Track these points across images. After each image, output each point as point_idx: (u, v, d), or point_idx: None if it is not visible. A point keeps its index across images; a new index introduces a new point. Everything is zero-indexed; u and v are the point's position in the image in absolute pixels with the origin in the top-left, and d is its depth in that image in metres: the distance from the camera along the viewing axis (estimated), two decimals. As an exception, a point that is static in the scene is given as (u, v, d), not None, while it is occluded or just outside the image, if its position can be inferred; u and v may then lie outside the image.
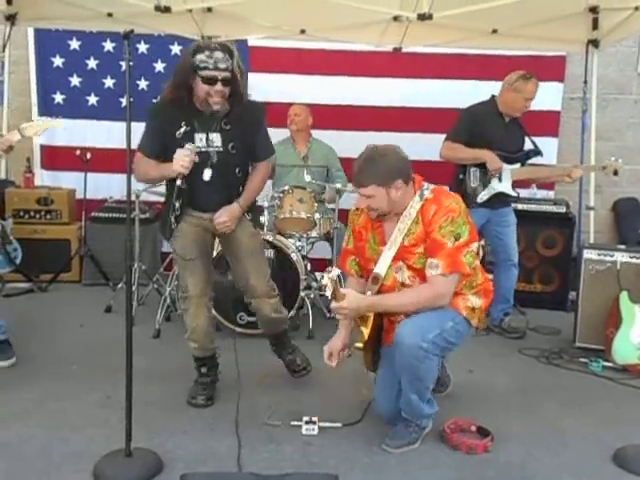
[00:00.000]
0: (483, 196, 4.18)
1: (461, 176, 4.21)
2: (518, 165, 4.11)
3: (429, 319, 2.54)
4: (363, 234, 2.79)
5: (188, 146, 2.73)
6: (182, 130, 2.78)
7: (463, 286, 2.64)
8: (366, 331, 2.60)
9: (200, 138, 2.80)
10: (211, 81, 2.69)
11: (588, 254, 3.96)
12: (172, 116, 2.79)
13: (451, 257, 2.52)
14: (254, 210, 3.13)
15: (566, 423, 2.93)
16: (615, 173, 4.07)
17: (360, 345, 2.63)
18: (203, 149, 2.81)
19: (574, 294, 4.15)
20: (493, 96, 4.17)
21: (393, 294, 2.65)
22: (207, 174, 2.82)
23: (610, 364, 3.64)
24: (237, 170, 2.93)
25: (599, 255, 3.93)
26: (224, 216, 2.88)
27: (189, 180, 2.78)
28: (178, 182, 2.74)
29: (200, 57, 2.68)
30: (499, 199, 4.12)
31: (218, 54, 2.68)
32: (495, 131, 4.05)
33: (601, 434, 2.81)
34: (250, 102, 2.94)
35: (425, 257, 2.57)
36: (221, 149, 2.83)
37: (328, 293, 2.41)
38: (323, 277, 2.38)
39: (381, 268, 2.66)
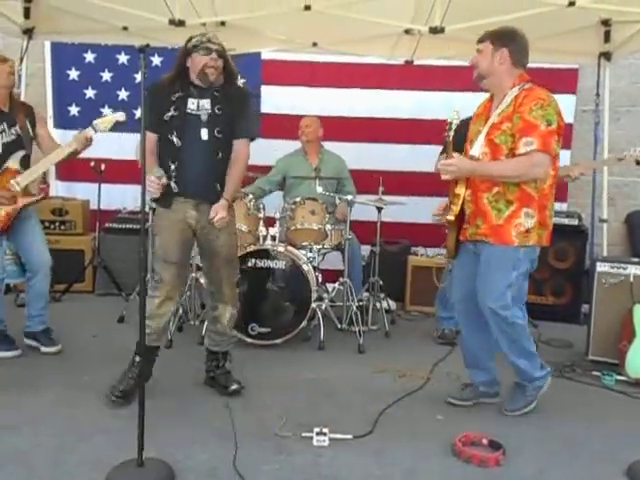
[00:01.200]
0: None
1: None
2: None
3: (496, 281, 2.91)
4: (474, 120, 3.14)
5: (156, 173, 2.93)
6: (176, 95, 3.04)
7: (517, 207, 2.89)
8: (456, 208, 2.99)
9: (192, 102, 3.04)
10: (207, 51, 2.97)
11: (601, 267, 3.94)
12: (166, 87, 3.06)
13: (544, 138, 2.79)
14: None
15: (578, 437, 2.91)
16: (637, 163, 3.81)
17: (452, 218, 2.99)
18: (193, 112, 3.04)
19: (587, 307, 4.13)
20: None
21: (494, 162, 2.92)
22: (204, 133, 3.04)
23: (623, 378, 3.61)
24: (221, 136, 3.06)
25: (612, 268, 3.91)
26: (220, 213, 3.03)
27: (185, 143, 3.03)
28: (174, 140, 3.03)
29: (194, 40, 3.01)
30: None
31: (209, 35, 3.05)
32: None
33: (614, 448, 2.79)
34: (240, 86, 3.17)
35: (507, 135, 2.85)
36: (209, 111, 3.04)
37: (450, 135, 2.90)
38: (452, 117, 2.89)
39: (476, 149, 2.98)
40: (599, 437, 2.91)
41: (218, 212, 3.03)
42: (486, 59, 2.97)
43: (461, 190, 3.00)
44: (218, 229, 3.08)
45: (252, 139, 3.22)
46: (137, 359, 3.06)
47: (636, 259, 4.07)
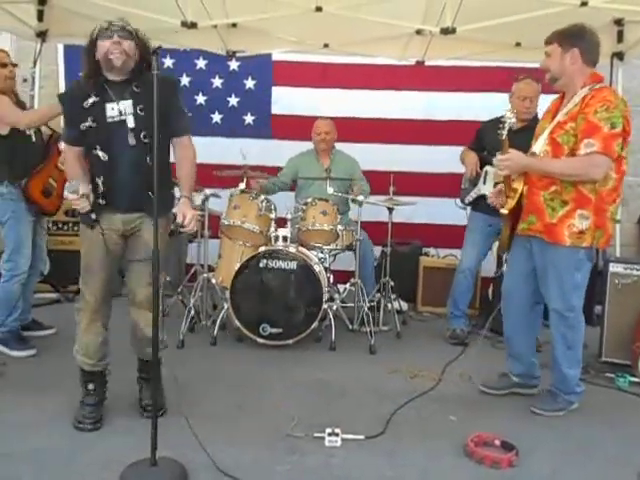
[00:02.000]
0: (470, 197, 4.29)
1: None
2: None
3: (562, 283, 2.96)
4: (543, 117, 3.16)
5: (69, 189, 2.71)
6: (90, 100, 2.73)
7: (571, 208, 2.90)
8: (512, 202, 3.01)
9: (112, 107, 2.74)
10: (108, 35, 2.69)
11: (614, 268, 3.92)
12: (79, 90, 2.78)
13: (606, 141, 2.78)
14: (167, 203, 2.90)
15: (592, 439, 2.89)
16: None
17: (505, 212, 3.03)
18: (116, 118, 2.74)
19: (600, 308, 4.10)
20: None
21: (552, 159, 2.93)
22: (131, 139, 2.74)
23: (637, 379, 3.59)
24: (148, 140, 2.72)
25: (625, 269, 3.89)
26: (188, 213, 2.74)
27: (112, 156, 2.75)
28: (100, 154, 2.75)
29: (98, 29, 2.75)
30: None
31: (113, 20, 2.77)
32: (494, 138, 4.08)
33: (627, 450, 2.77)
34: (163, 75, 2.61)
35: (570, 135, 2.85)
36: (132, 112, 2.74)
37: (504, 133, 2.96)
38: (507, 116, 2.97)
39: (538, 146, 3.00)
40: (612, 439, 2.89)
41: (185, 213, 2.74)
42: (556, 61, 2.96)
43: (519, 185, 3.03)
44: (145, 233, 2.80)
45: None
46: (89, 387, 2.93)
47: (650, 260, 4.05)
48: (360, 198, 4.37)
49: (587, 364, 3.84)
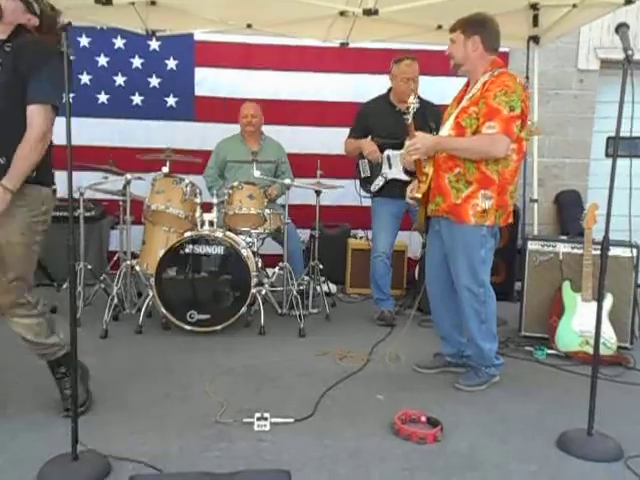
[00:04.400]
0: (376, 185, 4.34)
1: (356, 169, 4.45)
2: None
3: (468, 259, 3.07)
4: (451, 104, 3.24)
5: None
6: None
7: (475, 189, 3.01)
8: (424, 186, 3.12)
9: None
10: None
11: (532, 245, 4.07)
12: None
13: (505, 123, 2.91)
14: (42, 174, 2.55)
15: (512, 410, 3.01)
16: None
17: (419, 195, 3.13)
18: None
19: (519, 285, 4.26)
20: (390, 89, 4.40)
21: (456, 137, 3.04)
22: None
23: (554, 352, 3.76)
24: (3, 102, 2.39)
25: (542, 246, 4.05)
26: None
27: None
28: None
29: None
30: (400, 188, 3.91)
31: None
32: (381, 121, 4.14)
33: (545, 420, 2.90)
34: (43, 42, 2.45)
35: (473, 118, 2.97)
36: None
37: (409, 118, 3.06)
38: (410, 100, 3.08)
39: (444, 130, 3.12)
40: (531, 410, 3.02)
41: None
42: (460, 48, 3.08)
43: (429, 170, 3.12)
44: None
45: (54, 107, 2.46)
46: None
47: (565, 237, 4.22)
48: (287, 181, 4.34)
49: (507, 339, 4.01)
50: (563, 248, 3.99)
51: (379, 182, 4.37)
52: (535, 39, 4.92)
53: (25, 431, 2.63)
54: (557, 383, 3.41)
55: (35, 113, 2.41)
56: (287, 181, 4.35)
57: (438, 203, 3.13)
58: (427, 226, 3.30)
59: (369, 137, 4.36)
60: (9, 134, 2.41)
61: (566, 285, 3.83)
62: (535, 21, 4.78)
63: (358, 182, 4.54)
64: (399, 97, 4.29)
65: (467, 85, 3.20)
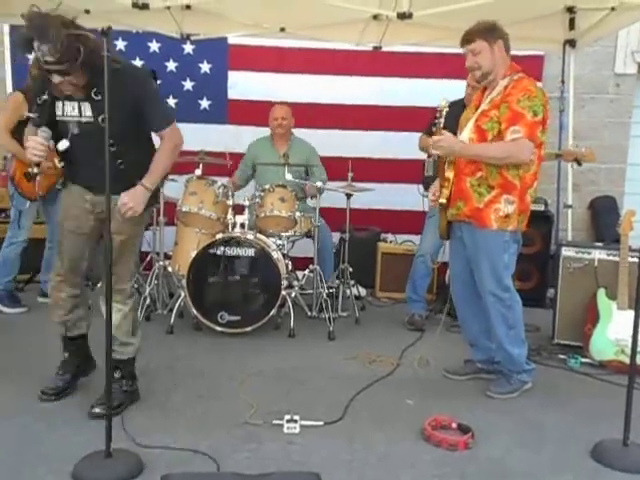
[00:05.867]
0: (435, 185, 4.29)
1: (423, 167, 4.39)
2: None
3: (492, 265, 3.04)
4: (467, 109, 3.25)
5: (42, 133, 2.62)
6: (43, 97, 2.66)
7: (497, 193, 3.00)
8: (446, 191, 3.10)
9: (72, 106, 2.65)
10: (50, 73, 2.50)
11: (566, 252, 4.01)
12: (37, 87, 2.71)
13: (529, 127, 2.90)
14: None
15: (545, 419, 2.96)
16: (576, 161, 4.01)
17: (444, 201, 3.10)
18: (66, 118, 2.67)
19: (552, 291, 4.19)
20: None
21: (482, 144, 3.01)
22: (61, 145, 2.67)
23: (588, 360, 3.69)
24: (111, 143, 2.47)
25: (577, 253, 3.98)
26: (125, 198, 2.65)
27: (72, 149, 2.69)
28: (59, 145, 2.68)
29: (34, 44, 2.45)
30: None
31: (44, 48, 2.42)
32: (454, 123, 4.10)
33: (579, 429, 2.85)
34: (127, 69, 2.62)
35: (494, 121, 2.95)
36: (91, 120, 2.63)
37: (441, 122, 3.05)
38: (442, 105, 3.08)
39: (464, 134, 3.08)
40: (565, 419, 2.97)
41: (124, 197, 2.68)
42: (487, 56, 3.04)
43: (450, 174, 3.10)
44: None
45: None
46: (65, 355, 2.99)
47: (600, 244, 4.15)
48: (319, 184, 4.35)
49: (539, 346, 3.95)
50: (598, 255, 3.92)
51: (437, 183, 4.34)
52: (571, 43, 4.85)
53: (62, 426, 2.68)
54: (591, 392, 3.35)
55: (166, 138, 2.77)
56: (318, 184, 4.36)
57: (459, 207, 3.10)
58: (448, 231, 3.27)
59: None
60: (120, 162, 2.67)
61: (601, 293, 3.76)
62: (572, 24, 4.70)
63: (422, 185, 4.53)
64: (467, 102, 4.27)
65: (483, 91, 3.18)
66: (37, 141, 2.61)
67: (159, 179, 2.81)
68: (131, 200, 2.66)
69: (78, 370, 3.04)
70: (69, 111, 2.67)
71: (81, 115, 2.66)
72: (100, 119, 2.57)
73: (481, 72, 3.07)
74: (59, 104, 2.67)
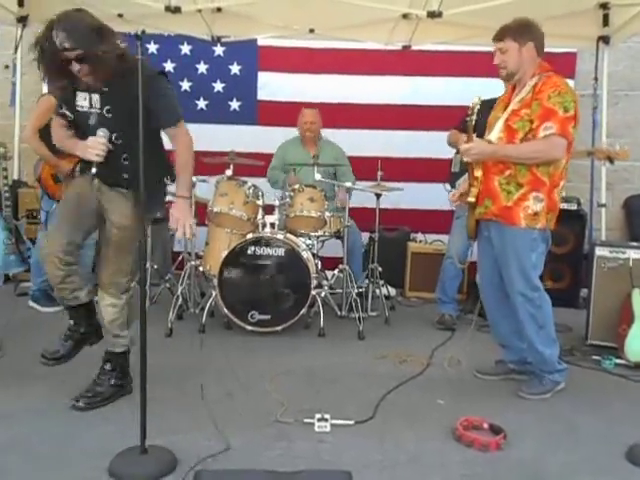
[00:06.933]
0: (459, 183, 4.26)
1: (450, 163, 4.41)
2: None
3: (520, 264, 3.01)
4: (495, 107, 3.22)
5: (101, 133, 2.69)
6: (63, 83, 2.71)
7: (526, 191, 2.98)
8: (475, 190, 3.06)
9: (84, 97, 2.73)
10: (68, 62, 2.56)
11: (600, 251, 3.95)
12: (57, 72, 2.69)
13: (562, 123, 2.88)
14: (160, 192, 2.97)
15: (579, 420, 2.92)
16: (609, 160, 3.84)
17: (473, 200, 3.06)
18: (84, 109, 2.74)
19: (586, 291, 4.14)
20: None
21: (513, 144, 2.99)
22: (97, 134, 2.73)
23: (623, 361, 3.63)
24: (114, 137, 2.73)
25: (611, 252, 3.92)
26: (181, 220, 2.72)
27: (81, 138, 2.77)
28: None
29: (53, 35, 2.52)
30: None
31: (61, 35, 2.50)
32: (484, 120, 4.08)
33: (614, 431, 2.80)
34: (138, 66, 2.51)
35: (525, 120, 2.93)
36: (99, 111, 2.72)
37: (473, 119, 3.01)
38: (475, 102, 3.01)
39: (493, 134, 3.06)
40: (599, 420, 2.93)
41: (179, 218, 2.77)
42: (514, 56, 3.03)
43: (479, 172, 3.08)
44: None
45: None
46: (70, 322, 2.96)
47: (635, 243, 4.08)
48: (347, 184, 4.36)
49: (573, 347, 3.90)
50: (633, 254, 3.85)
51: (462, 181, 4.32)
52: (605, 39, 4.78)
53: (99, 423, 2.74)
54: (626, 394, 3.29)
55: (176, 131, 2.82)
56: (347, 184, 4.36)
57: (487, 206, 3.08)
58: (477, 231, 3.25)
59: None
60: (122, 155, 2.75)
61: (636, 293, 3.70)
62: (605, 21, 4.65)
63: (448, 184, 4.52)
64: None
65: (512, 89, 3.15)
66: (98, 141, 2.68)
67: (190, 182, 2.88)
68: (179, 216, 2.73)
69: (82, 337, 2.99)
70: (80, 101, 2.74)
71: (91, 107, 2.73)
72: (105, 110, 2.70)
73: (506, 71, 3.06)
74: (77, 94, 2.74)
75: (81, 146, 2.74)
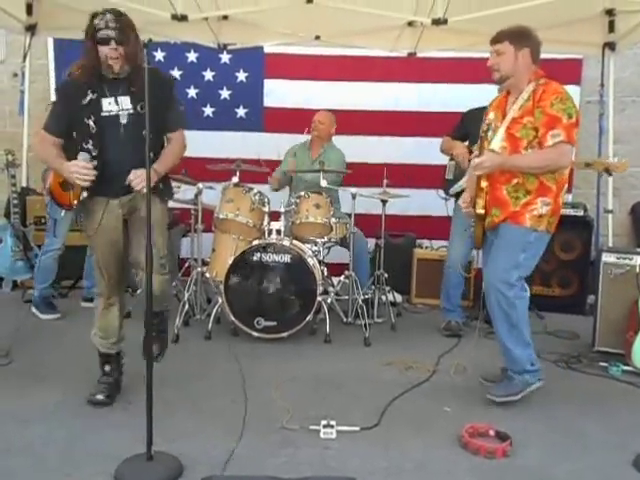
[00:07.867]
0: (456, 188, 4.26)
1: (444, 170, 4.41)
2: None
3: (504, 259, 3.01)
4: (489, 115, 3.19)
5: (80, 157, 2.75)
6: (88, 98, 2.79)
7: (534, 197, 2.99)
8: (482, 201, 3.07)
9: (109, 102, 2.81)
10: (106, 41, 2.71)
11: (607, 257, 3.93)
12: (77, 88, 2.81)
13: (567, 130, 2.89)
14: (167, 183, 3.07)
15: (586, 427, 2.91)
16: (607, 171, 3.90)
17: (482, 212, 3.07)
18: (113, 112, 2.81)
19: (593, 298, 4.12)
20: None
21: (522, 155, 2.99)
22: (126, 134, 2.82)
23: (630, 368, 3.61)
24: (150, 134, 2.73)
25: (618, 258, 3.90)
26: (136, 174, 2.74)
27: (102, 147, 2.81)
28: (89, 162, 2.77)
29: (96, 21, 2.74)
30: None
31: (109, 16, 2.74)
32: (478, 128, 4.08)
33: (621, 439, 2.79)
34: (155, 70, 2.75)
35: (529, 129, 2.93)
36: (131, 111, 2.82)
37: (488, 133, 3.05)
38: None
39: (495, 143, 3.04)
40: (606, 428, 2.91)
41: (135, 173, 2.77)
42: (509, 60, 3.03)
43: (485, 183, 3.08)
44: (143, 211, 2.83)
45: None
46: (106, 368, 3.08)
47: (642, 250, 4.06)
48: (353, 190, 4.35)
49: (580, 353, 3.88)
50: (640, 261, 3.84)
51: (458, 188, 4.30)
52: (611, 45, 4.78)
53: (106, 428, 2.75)
54: (634, 401, 3.27)
55: (177, 134, 2.97)
56: (353, 190, 4.36)
57: (496, 214, 3.08)
58: (483, 240, 3.23)
59: (466, 142, 4.32)
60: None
61: (643, 299, 3.68)
62: (611, 27, 4.64)
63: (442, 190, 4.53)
64: None
65: (506, 96, 3.14)
66: (80, 165, 2.73)
67: (166, 170, 2.92)
68: (141, 174, 2.71)
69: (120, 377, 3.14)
70: (106, 107, 2.81)
71: (121, 109, 2.82)
72: (139, 107, 2.79)
73: (499, 74, 3.06)
74: (101, 101, 2.81)
75: (66, 168, 2.77)
